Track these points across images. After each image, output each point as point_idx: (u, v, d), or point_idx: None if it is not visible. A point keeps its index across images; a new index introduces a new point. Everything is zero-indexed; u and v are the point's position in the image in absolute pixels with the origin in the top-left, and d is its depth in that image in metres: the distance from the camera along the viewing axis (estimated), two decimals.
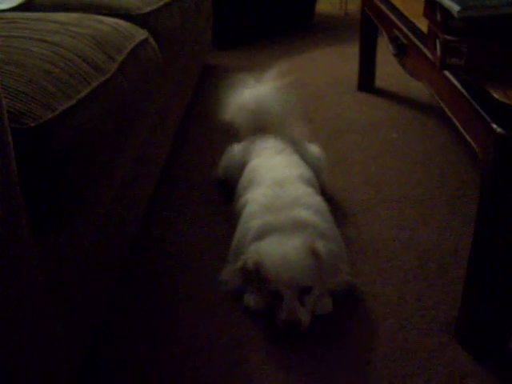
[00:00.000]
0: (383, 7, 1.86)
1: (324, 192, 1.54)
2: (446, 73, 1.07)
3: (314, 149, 1.69)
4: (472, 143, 0.97)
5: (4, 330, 0.62)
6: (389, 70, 2.62)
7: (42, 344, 0.74)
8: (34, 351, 0.71)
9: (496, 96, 0.88)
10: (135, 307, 1.22)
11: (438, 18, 1.01)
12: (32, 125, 0.74)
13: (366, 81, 2.48)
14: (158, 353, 1.09)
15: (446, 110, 1.12)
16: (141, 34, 1.30)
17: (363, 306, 1.20)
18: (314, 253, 1.13)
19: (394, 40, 1.63)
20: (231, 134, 1.75)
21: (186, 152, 1.95)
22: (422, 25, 1.34)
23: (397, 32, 1.61)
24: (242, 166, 1.54)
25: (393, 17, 1.68)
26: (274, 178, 1.36)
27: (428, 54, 1.19)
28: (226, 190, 1.64)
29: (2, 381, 0.63)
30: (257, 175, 1.42)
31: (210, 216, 1.56)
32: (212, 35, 2.83)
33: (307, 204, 1.26)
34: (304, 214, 1.22)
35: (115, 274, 1.15)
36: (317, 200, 1.31)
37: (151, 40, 1.36)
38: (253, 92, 1.64)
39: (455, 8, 0.93)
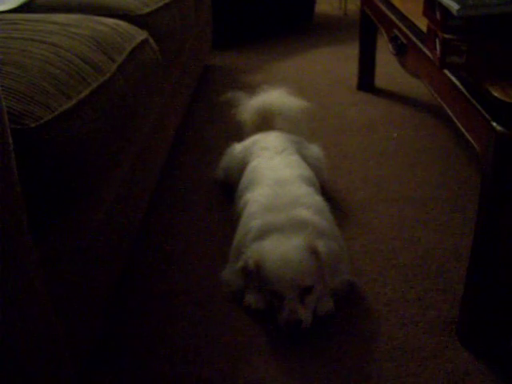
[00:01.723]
0: (383, 7, 1.86)
1: (324, 191, 1.54)
2: (446, 71, 1.07)
3: (315, 148, 1.69)
4: (472, 142, 0.97)
5: (4, 331, 0.62)
6: (388, 69, 2.62)
7: (42, 344, 0.74)
8: (34, 351, 0.71)
9: (495, 94, 0.88)
10: (135, 307, 1.23)
11: (438, 16, 1.02)
12: (32, 125, 0.74)
13: (366, 80, 2.48)
14: (159, 353, 1.09)
15: (446, 108, 1.12)
16: (140, 34, 1.30)
17: (364, 305, 1.20)
18: (314, 252, 1.13)
19: (393, 39, 1.63)
20: (231, 134, 1.75)
21: (186, 152, 1.95)
22: (422, 24, 1.34)
23: (396, 31, 1.61)
24: (242, 166, 1.54)
25: (392, 16, 1.68)
26: (275, 178, 1.36)
27: (428, 52, 1.19)
28: (227, 191, 1.64)
29: (2, 381, 0.63)
30: (257, 175, 1.42)
31: (211, 216, 1.56)
32: (212, 36, 2.83)
33: (307, 203, 1.26)
34: (304, 213, 1.22)
35: (115, 273, 1.15)
36: (317, 199, 1.31)
37: (151, 41, 1.36)
38: (266, 96, 1.69)
39: (454, 7, 0.93)
